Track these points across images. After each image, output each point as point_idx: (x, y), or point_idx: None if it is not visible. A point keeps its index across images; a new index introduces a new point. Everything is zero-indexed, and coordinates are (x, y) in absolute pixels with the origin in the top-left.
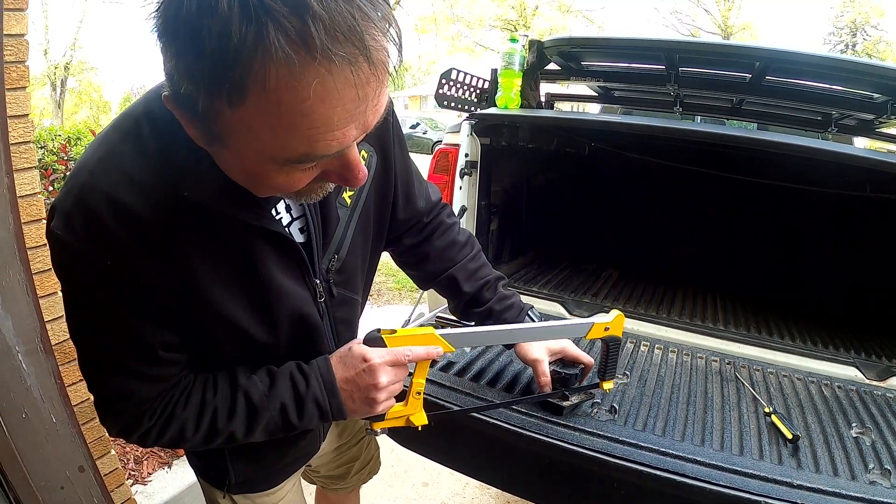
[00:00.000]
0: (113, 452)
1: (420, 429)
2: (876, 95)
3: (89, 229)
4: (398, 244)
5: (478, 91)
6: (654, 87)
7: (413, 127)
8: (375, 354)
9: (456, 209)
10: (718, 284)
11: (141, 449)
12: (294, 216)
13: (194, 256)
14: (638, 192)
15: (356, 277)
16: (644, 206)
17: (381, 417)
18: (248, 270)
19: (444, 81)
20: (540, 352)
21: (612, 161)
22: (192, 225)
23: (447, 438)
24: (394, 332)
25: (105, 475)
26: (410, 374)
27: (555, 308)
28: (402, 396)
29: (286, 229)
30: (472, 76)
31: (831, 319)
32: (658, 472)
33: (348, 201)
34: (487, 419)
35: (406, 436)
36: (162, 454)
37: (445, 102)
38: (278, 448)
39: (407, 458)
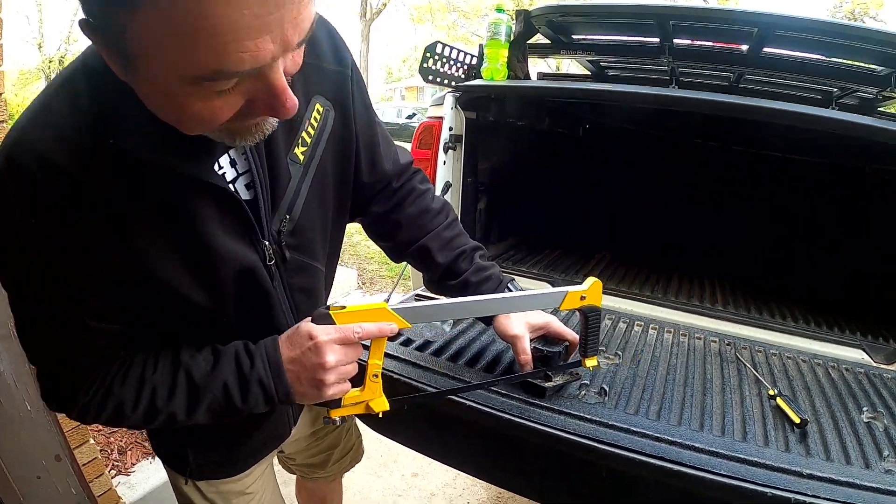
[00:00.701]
0: (92, 442)
1: (381, 415)
2: (879, 68)
3: (18, 188)
4: (367, 212)
5: (465, 67)
6: (648, 62)
7: (409, 117)
8: (322, 332)
9: (440, 185)
10: (717, 267)
11: (125, 439)
12: (240, 171)
13: (129, 214)
14: (633, 174)
15: (314, 242)
16: (639, 188)
17: (338, 403)
18: (185, 228)
19: (428, 55)
20: (520, 327)
21: (606, 140)
22: (126, 181)
23: (419, 422)
24: (343, 307)
25: (83, 465)
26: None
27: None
28: (360, 380)
29: (230, 185)
30: (459, 51)
31: (836, 301)
32: (652, 460)
33: (301, 158)
34: (463, 401)
35: (375, 420)
36: (146, 445)
37: (430, 77)
38: (239, 430)
39: (396, 448)
